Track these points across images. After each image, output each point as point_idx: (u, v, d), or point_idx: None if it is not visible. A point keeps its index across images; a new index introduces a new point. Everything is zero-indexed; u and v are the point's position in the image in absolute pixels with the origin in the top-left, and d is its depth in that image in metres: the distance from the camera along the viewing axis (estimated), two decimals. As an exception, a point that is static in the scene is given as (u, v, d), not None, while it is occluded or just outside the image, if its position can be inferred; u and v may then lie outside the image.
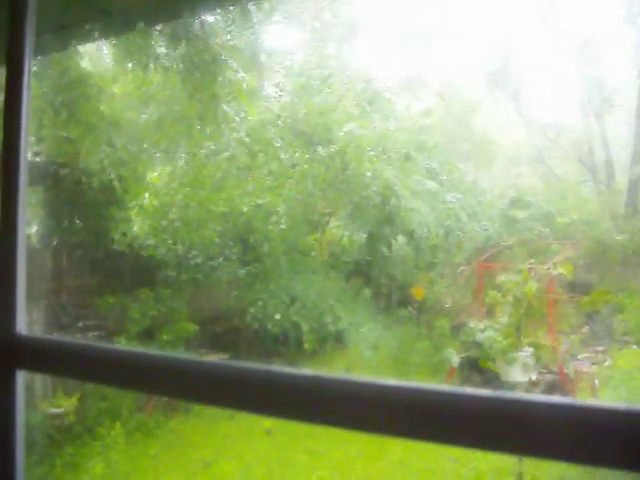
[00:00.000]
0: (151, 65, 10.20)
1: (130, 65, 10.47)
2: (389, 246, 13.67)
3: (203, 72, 10.06)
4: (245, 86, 11.85)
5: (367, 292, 13.07)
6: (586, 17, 19.82)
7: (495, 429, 0.86)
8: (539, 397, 0.82)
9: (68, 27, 3.33)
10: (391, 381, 0.91)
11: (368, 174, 11.92)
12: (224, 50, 10.19)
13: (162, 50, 9.93)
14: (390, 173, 11.93)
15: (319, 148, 12.57)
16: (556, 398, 0.82)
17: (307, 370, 0.99)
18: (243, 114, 12.22)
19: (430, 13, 20.88)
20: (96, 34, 3.75)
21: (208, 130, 11.51)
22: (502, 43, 20.63)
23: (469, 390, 0.87)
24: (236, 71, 10.90)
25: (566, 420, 0.81)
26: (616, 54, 19.97)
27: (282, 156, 12.34)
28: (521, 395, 0.82)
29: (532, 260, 10.87)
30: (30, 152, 10.06)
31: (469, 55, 21.50)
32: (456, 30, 20.68)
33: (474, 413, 0.87)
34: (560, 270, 9.98)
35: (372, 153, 12.29)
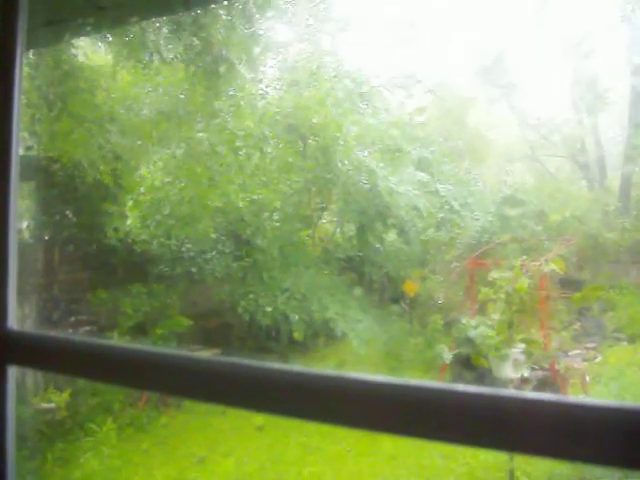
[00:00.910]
0: (150, 57, 10.15)
1: (128, 58, 10.41)
2: (381, 240, 13.69)
3: (203, 64, 10.04)
4: (242, 80, 11.83)
5: (360, 287, 13.10)
6: (580, 14, 19.86)
7: (485, 426, 0.86)
8: (529, 394, 0.82)
9: (61, 21, 3.32)
10: (381, 377, 0.91)
11: (350, 164, 11.93)
12: (223, 43, 10.15)
13: (161, 42, 9.87)
14: (380, 165, 11.95)
15: (310, 142, 12.58)
16: (546, 395, 0.82)
17: (298, 366, 0.99)
18: (237, 108, 12.18)
19: (424, 9, 20.89)
20: (89, 28, 3.72)
21: (204, 124, 11.49)
22: (495, 40, 20.69)
23: (459, 387, 0.87)
24: (234, 64, 10.86)
25: (555, 417, 0.82)
26: (609, 51, 20.03)
27: (274, 151, 12.33)
28: (511, 392, 0.82)
29: (524, 257, 10.89)
30: (22, 146, 10.01)
31: (463, 52, 21.56)
32: (450, 27, 20.72)
33: (464, 410, 0.87)
34: (552, 267, 10.00)
35: (362, 146, 12.31)
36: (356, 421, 0.95)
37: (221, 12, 10.08)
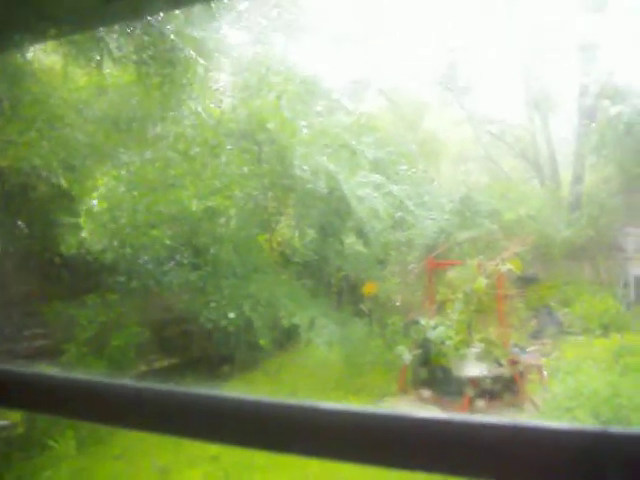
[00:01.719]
0: (102, 58, 10.01)
1: (77, 57, 10.22)
2: (340, 241, 13.74)
3: (158, 65, 9.91)
4: (197, 84, 11.74)
5: (319, 290, 13.11)
6: (533, 16, 20.24)
7: (452, 452, 0.85)
8: (498, 420, 0.81)
9: (5, 31, 3.22)
10: (337, 405, 0.89)
11: (306, 168, 11.92)
12: (181, 41, 10.05)
13: (114, 43, 9.73)
14: (334, 167, 11.97)
15: (264, 148, 12.55)
16: (507, 420, 0.81)
17: (250, 395, 0.96)
18: (190, 114, 12.08)
19: (379, 13, 21.06)
20: (34, 38, 3.62)
21: (157, 129, 11.36)
22: (448, 43, 20.96)
23: (424, 414, 0.85)
24: (188, 67, 10.75)
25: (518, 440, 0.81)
26: (560, 53, 20.47)
27: (229, 157, 12.25)
28: (479, 418, 0.81)
29: (481, 256, 11.04)
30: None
31: (416, 55, 21.78)
32: (404, 30, 20.92)
33: (429, 437, 0.86)
34: (508, 266, 10.15)
35: (317, 149, 12.32)
36: (317, 450, 0.93)
37: (176, 12, 9.95)
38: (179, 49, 10.13)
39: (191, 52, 10.43)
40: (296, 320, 10.92)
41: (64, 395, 1.15)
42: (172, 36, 9.95)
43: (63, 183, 10.77)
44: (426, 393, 10.36)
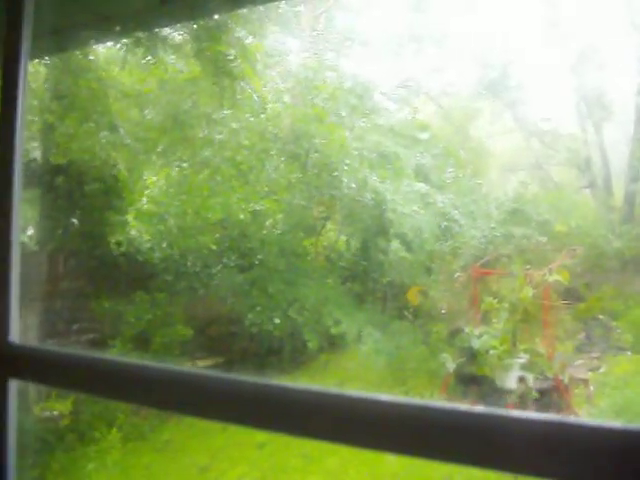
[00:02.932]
0: (162, 57, 10.17)
1: (139, 57, 10.40)
2: (384, 250, 13.68)
3: (212, 66, 10.06)
4: (249, 90, 11.85)
5: (364, 295, 13.07)
6: (587, 24, 19.83)
7: (485, 445, 0.86)
8: (528, 414, 0.81)
9: (66, 30, 3.32)
10: (383, 396, 0.91)
11: (351, 179, 11.92)
12: (232, 45, 10.18)
13: (172, 43, 9.92)
14: (379, 176, 11.95)
15: (311, 156, 12.58)
16: (545, 415, 0.81)
17: (299, 384, 0.98)
18: (241, 119, 12.20)
19: (428, 20, 20.92)
20: (94, 38, 3.73)
21: (207, 133, 11.50)
22: (501, 49, 20.69)
23: (460, 406, 0.86)
24: (239, 73, 10.87)
25: (553, 437, 0.81)
26: (617, 62, 20.00)
27: (276, 163, 12.34)
28: (510, 412, 0.81)
29: (528, 267, 10.87)
30: (27, 154, 10.04)
31: (467, 62, 21.55)
32: (454, 37, 20.72)
33: (465, 429, 0.86)
34: (556, 277, 9.97)
35: (364, 158, 12.31)
36: (357, 440, 0.94)
37: (228, 21, 10.10)
38: (230, 53, 10.25)
39: (241, 56, 10.54)
40: (343, 328, 10.95)
41: (121, 379, 1.19)
42: (224, 39, 10.08)
43: (115, 181, 10.98)
44: (468, 402, 10.24)
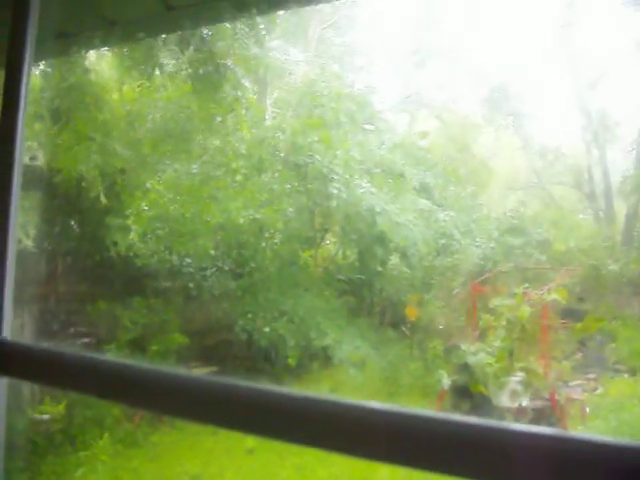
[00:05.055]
0: (156, 72, 10.23)
1: (133, 72, 10.50)
2: (382, 264, 13.66)
3: (208, 80, 10.10)
4: (245, 100, 11.90)
5: (360, 309, 13.05)
6: (593, 44, 19.92)
7: (481, 457, 0.85)
8: (523, 426, 0.80)
9: (70, 34, 3.33)
10: (376, 404, 0.90)
11: (347, 191, 11.92)
12: (230, 58, 10.24)
13: (167, 56, 9.96)
14: (377, 190, 11.97)
15: (310, 167, 12.58)
16: (541, 428, 0.80)
17: (294, 390, 0.97)
18: (242, 127, 12.24)
19: (431, 34, 21.03)
20: (97, 42, 3.74)
21: (206, 141, 11.54)
22: (504, 67, 20.78)
23: (456, 416, 0.85)
24: (239, 83, 10.93)
25: (549, 450, 0.80)
26: (621, 82, 20.05)
27: (272, 172, 12.37)
28: (506, 424, 0.80)
29: (526, 285, 10.87)
30: (28, 156, 10.07)
31: (470, 77, 21.64)
32: (457, 52, 20.82)
33: (460, 440, 0.85)
34: (554, 296, 9.98)
35: (364, 171, 12.34)
36: (349, 448, 0.93)
37: (228, 27, 10.14)
38: (229, 65, 10.30)
39: (242, 66, 10.60)
40: (328, 341, 10.89)
41: (113, 379, 1.19)
42: (222, 51, 10.14)
43: (112, 189, 10.99)
44: (463, 420, 10.19)
